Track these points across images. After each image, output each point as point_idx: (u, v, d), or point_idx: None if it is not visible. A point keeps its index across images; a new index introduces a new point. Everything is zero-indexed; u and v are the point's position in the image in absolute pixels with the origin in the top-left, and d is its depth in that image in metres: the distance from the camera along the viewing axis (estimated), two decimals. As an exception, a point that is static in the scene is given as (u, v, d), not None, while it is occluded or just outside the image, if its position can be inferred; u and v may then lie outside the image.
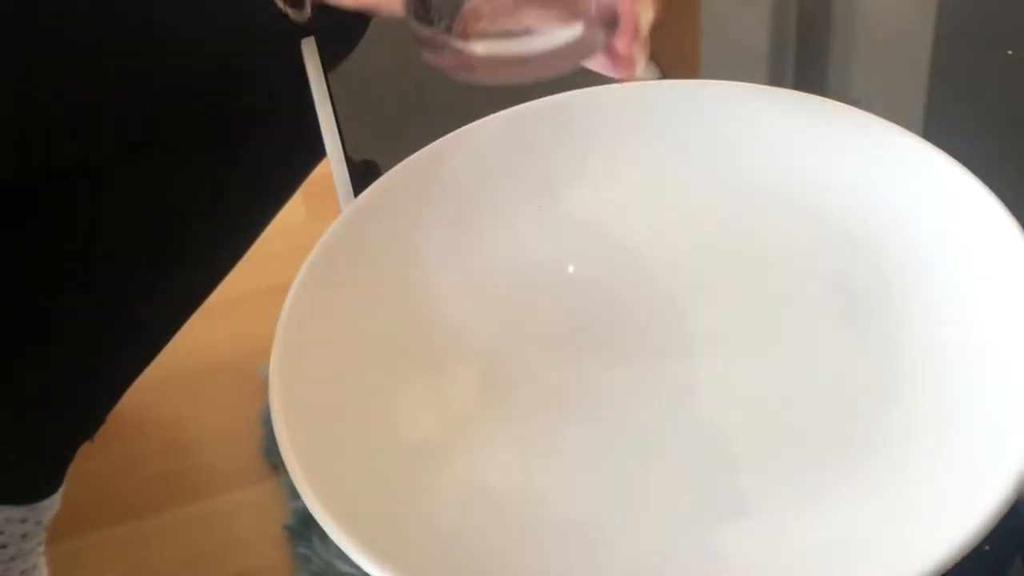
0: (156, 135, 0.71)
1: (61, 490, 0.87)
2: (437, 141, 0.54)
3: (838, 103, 0.52)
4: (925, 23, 0.66)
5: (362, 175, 0.59)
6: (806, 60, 0.67)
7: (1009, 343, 0.45)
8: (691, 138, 0.54)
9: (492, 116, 0.55)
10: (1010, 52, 0.61)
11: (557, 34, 0.48)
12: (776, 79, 0.66)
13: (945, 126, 0.54)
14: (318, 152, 0.80)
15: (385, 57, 0.70)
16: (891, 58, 0.61)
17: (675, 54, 0.70)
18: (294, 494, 1.10)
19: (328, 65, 0.66)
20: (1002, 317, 0.45)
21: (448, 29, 0.48)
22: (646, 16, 0.49)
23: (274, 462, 1.15)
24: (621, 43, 0.48)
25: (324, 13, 0.69)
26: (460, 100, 0.57)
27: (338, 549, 0.40)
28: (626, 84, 0.53)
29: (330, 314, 0.50)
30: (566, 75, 0.49)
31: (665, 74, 0.56)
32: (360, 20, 0.71)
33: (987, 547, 0.39)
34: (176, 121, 0.70)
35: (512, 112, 0.55)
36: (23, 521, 0.83)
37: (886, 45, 0.64)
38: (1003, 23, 0.64)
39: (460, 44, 0.48)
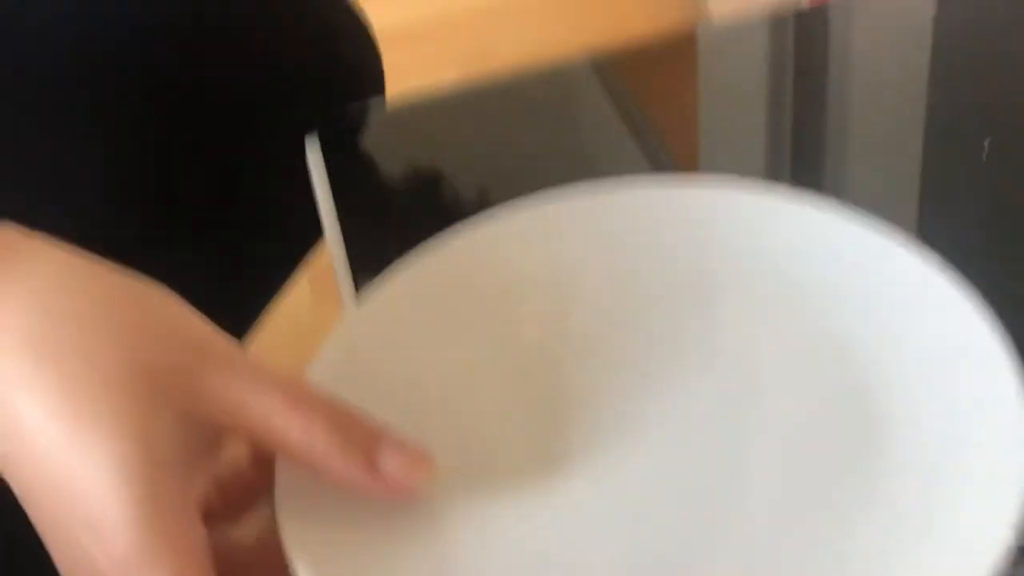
0: (154, 227, 0.72)
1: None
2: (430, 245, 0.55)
3: (824, 203, 0.53)
4: (915, 122, 0.67)
5: (363, 265, 0.60)
6: (801, 154, 0.68)
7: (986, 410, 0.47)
8: (679, 241, 0.56)
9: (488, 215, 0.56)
10: (986, 142, 0.63)
11: None
12: (772, 172, 0.68)
13: (934, 216, 0.56)
14: (315, 237, 0.82)
15: (385, 147, 0.72)
16: (884, 154, 0.62)
17: (674, 145, 0.71)
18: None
19: (334, 165, 0.67)
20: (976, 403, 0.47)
21: None
22: None
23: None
24: None
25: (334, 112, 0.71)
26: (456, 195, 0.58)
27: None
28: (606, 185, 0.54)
29: None
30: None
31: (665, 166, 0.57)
32: (361, 116, 0.73)
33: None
34: (176, 213, 0.71)
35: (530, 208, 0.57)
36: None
37: (879, 143, 0.65)
38: (988, 118, 0.66)
39: None
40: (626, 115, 0.70)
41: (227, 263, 0.77)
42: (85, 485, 0.37)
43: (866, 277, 0.53)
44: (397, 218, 0.58)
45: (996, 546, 0.42)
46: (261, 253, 0.79)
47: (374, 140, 0.72)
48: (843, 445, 0.49)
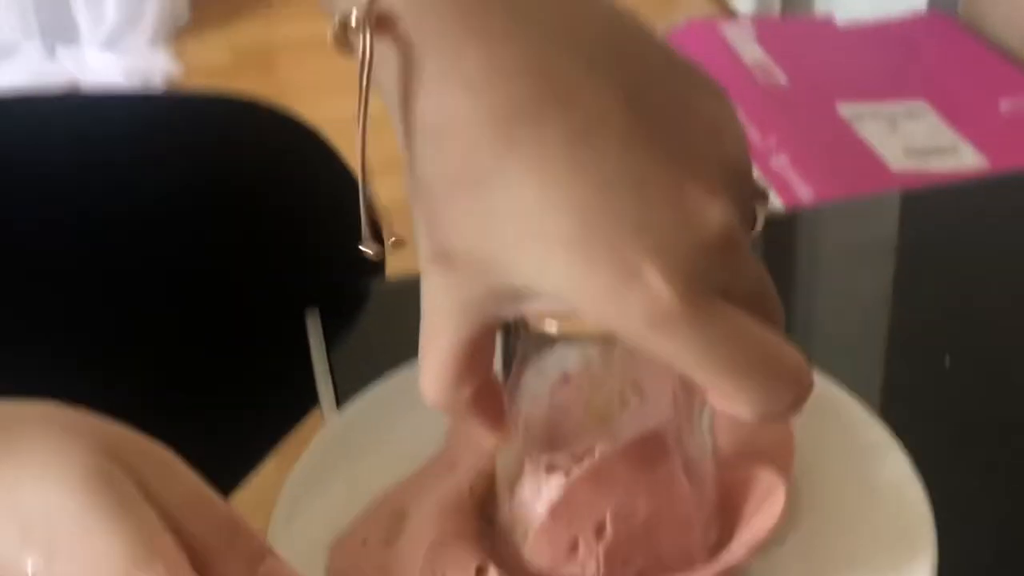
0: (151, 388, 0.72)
1: None
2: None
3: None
4: (877, 334, 0.70)
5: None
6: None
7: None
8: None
9: None
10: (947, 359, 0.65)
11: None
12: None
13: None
14: (301, 413, 0.82)
15: (382, 326, 0.73)
16: (845, 362, 0.64)
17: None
18: None
19: (329, 337, 0.68)
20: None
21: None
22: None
23: None
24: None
25: (328, 289, 0.72)
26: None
27: None
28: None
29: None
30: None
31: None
32: (362, 292, 0.74)
33: None
34: (165, 382, 0.72)
35: None
36: None
37: (841, 352, 0.67)
38: (946, 334, 0.68)
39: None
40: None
41: (215, 430, 0.77)
42: None
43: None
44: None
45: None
46: (247, 423, 0.80)
47: (373, 315, 0.73)
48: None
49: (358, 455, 0.56)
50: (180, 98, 0.72)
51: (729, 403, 0.38)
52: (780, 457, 0.52)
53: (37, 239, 0.68)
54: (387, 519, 0.52)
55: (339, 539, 0.52)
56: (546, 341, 0.45)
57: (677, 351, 0.37)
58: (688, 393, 0.47)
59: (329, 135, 0.78)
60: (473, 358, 0.42)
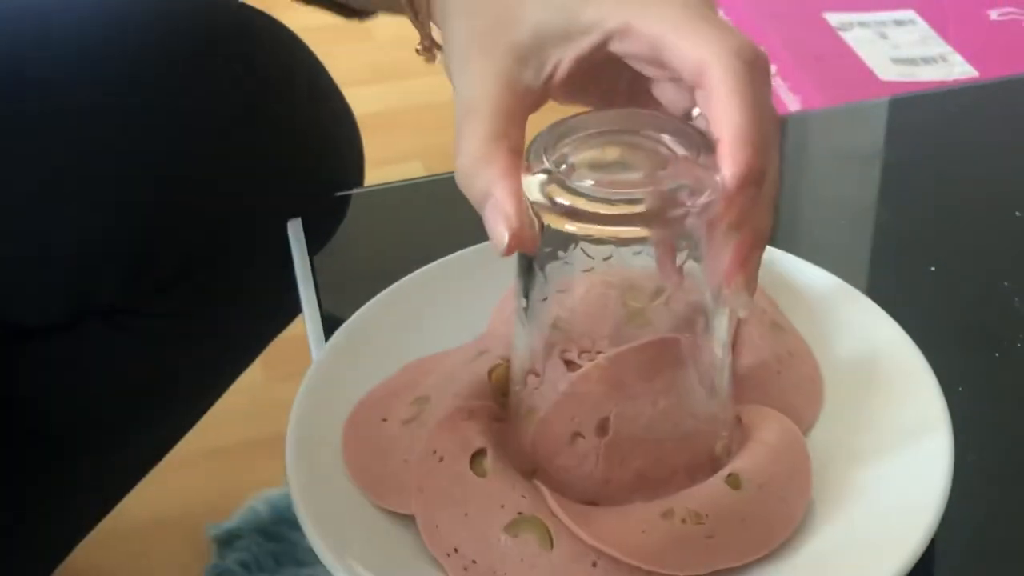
0: (125, 298, 0.72)
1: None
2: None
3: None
4: (865, 239, 0.70)
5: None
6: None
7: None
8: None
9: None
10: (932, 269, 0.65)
11: None
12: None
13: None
14: (284, 320, 0.82)
15: (361, 236, 0.73)
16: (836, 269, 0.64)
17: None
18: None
19: (312, 247, 0.68)
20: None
21: None
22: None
23: (216, 622, 1.15)
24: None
25: (308, 199, 0.72)
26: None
27: None
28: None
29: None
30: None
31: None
32: (341, 202, 0.74)
33: None
34: (147, 285, 0.72)
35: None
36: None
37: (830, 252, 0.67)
38: (933, 238, 0.68)
39: None
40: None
41: (197, 336, 0.77)
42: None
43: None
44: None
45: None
46: (232, 329, 0.80)
47: (352, 225, 0.73)
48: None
49: (390, 335, 0.58)
50: (165, 3, 0.71)
51: (694, 51, 0.44)
52: (800, 410, 0.53)
53: (22, 134, 0.68)
54: (410, 401, 0.54)
55: (361, 409, 0.54)
56: (567, 239, 0.46)
57: None
58: (707, 312, 0.48)
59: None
60: (508, 120, 0.47)
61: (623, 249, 0.46)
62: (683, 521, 0.47)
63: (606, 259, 0.47)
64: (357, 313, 0.58)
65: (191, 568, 1.17)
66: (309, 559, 1.14)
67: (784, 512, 0.49)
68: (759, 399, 0.53)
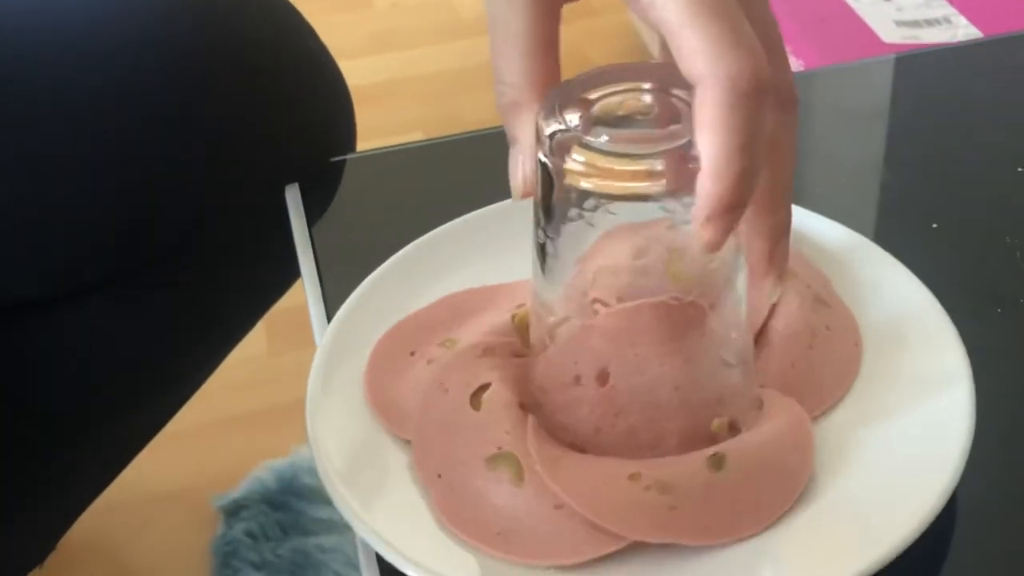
0: (123, 268, 0.72)
1: (8, 617, 0.87)
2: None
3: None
4: (869, 195, 0.69)
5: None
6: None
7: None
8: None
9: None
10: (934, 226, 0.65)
11: None
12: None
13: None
14: (282, 287, 0.82)
15: (357, 201, 0.72)
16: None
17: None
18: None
19: (310, 214, 0.68)
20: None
21: None
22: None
23: (223, 593, 1.15)
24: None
25: (304, 165, 0.72)
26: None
27: None
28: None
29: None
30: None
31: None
32: (337, 167, 0.74)
33: None
34: (145, 255, 0.72)
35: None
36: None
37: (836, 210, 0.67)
38: (935, 197, 0.68)
39: None
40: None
41: (196, 304, 0.77)
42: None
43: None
44: (373, 264, 0.60)
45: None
46: (231, 297, 0.80)
47: (348, 190, 0.73)
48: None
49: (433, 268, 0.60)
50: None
51: (690, 59, 0.42)
52: (825, 389, 0.53)
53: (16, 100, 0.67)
54: (439, 342, 0.56)
55: (391, 337, 0.56)
56: (585, 196, 0.46)
57: None
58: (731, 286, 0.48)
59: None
60: (542, 34, 0.47)
61: (641, 204, 0.46)
62: (647, 488, 0.47)
63: (617, 214, 0.47)
64: (406, 248, 0.61)
65: (198, 539, 1.18)
66: (316, 529, 1.15)
67: (758, 508, 0.48)
68: (785, 372, 0.53)
